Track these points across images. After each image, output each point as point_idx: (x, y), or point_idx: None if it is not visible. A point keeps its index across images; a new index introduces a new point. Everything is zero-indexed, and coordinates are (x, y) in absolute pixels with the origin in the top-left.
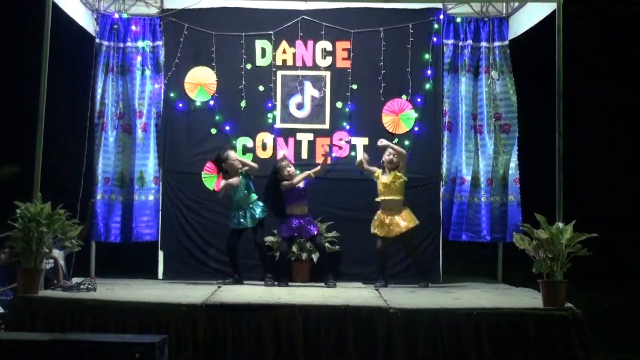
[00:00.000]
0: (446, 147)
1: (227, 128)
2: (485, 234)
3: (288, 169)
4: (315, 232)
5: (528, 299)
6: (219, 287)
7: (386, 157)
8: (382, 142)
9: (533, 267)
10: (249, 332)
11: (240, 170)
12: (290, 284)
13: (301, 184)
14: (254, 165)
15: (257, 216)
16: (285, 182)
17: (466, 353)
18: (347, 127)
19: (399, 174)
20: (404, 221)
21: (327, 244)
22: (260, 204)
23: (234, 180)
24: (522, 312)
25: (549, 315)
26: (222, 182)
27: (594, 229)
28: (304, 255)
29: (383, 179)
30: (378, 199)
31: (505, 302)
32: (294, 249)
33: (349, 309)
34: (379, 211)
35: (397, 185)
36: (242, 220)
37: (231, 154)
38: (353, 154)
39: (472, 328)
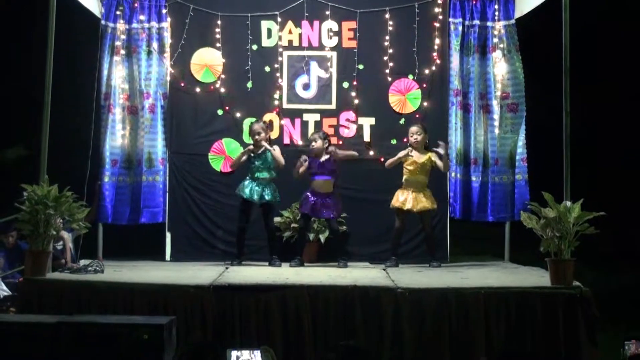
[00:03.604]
0: (460, 127)
1: (234, 110)
2: (492, 214)
3: (314, 143)
4: (330, 216)
5: (536, 277)
6: (227, 268)
7: (412, 139)
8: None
9: (541, 245)
10: (257, 312)
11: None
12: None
13: (323, 158)
14: (280, 161)
15: (266, 197)
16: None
17: (474, 332)
18: (354, 107)
19: (434, 159)
20: (427, 200)
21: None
22: (275, 187)
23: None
24: (530, 291)
25: (556, 293)
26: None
27: (602, 208)
28: (312, 236)
29: (420, 159)
30: (406, 177)
31: (513, 281)
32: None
33: (356, 289)
34: (402, 189)
35: (428, 167)
36: (253, 193)
37: (254, 126)
38: (360, 134)
39: (480, 307)
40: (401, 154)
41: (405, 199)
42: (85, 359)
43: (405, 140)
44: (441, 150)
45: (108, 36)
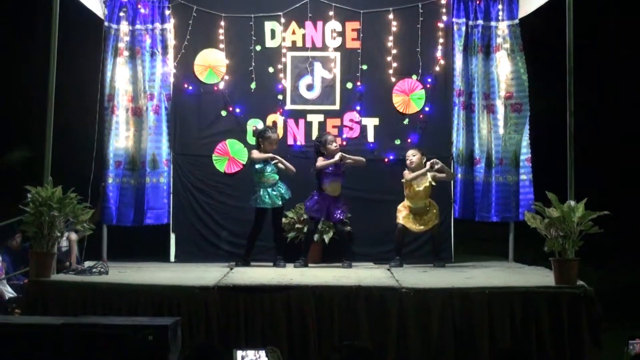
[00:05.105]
0: (464, 127)
1: (238, 110)
2: (496, 214)
3: (335, 143)
4: (341, 218)
5: (540, 277)
6: (231, 269)
7: (407, 162)
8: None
9: (545, 245)
10: (261, 313)
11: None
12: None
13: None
14: (292, 168)
15: (285, 197)
16: (319, 164)
17: (479, 332)
18: (358, 107)
19: (433, 183)
20: (431, 219)
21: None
22: (284, 184)
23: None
24: (534, 291)
25: (561, 293)
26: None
27: (606, 207)
28: (316, 237)
29: (419, 185)
30: (409, 204)
31: (517, 280)
32: (304, 230)
33: (361, 290)
34: (408, 208)
35: (429, 190)
36: (273, 199)
37: (273, 136)
38: (364, 134)
39: (484, 307)
40: (421, 172)
41: (407, 219)
42: None
43: (409, 140)
44: (437, 166)
45: (111, 37)
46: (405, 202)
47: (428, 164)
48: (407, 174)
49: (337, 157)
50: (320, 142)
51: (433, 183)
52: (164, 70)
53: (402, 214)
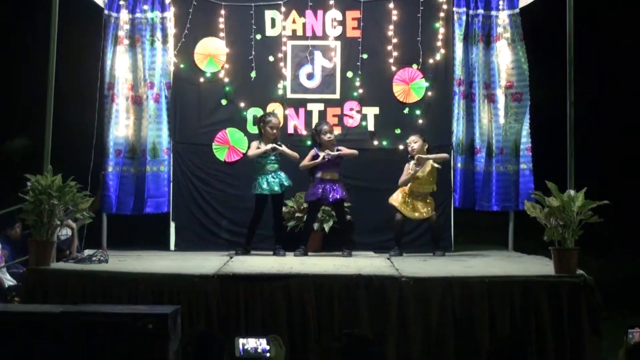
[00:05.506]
0: (463, 116)
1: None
2: (496, 203)
3: (329, 134)
4: (338, 197)
5: (540, 266)
6: (231, 258)
7: (409, 148)
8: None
9: (544, 234)
10: (261, 302)
11: (275, 139)
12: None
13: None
14: (294, 154)
15: (285, 184)
16: (302, 164)
17: (478, 321)
18: (358, 96)
19: (435, 165)
20: (426, 209)
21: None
22: (284, 173)
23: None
24: (534, 280)
25: (560, 282)
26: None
27: (606, 196)
28: (316, 225)
29: (424, 171)
30: (411, 188)
31: (517, 269)
32: (304, 218)
33: (361, 278)
34: (409, 192)
35: (435, 174)
36: (271, 186)
37: (274, 120)
38: (364, 123)
39: (484, 296)
40: (411, 171)
41: (404, 202)
42: (89, 349)
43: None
44: (422, 163)
45: (111, 26)
46: (407, 187)
47: (412, 164)
48: (407, 168)
49: (320, 158)
50: (316, 131)
51: (436, 166)
52: (164, 58)
53: (399, 198)
